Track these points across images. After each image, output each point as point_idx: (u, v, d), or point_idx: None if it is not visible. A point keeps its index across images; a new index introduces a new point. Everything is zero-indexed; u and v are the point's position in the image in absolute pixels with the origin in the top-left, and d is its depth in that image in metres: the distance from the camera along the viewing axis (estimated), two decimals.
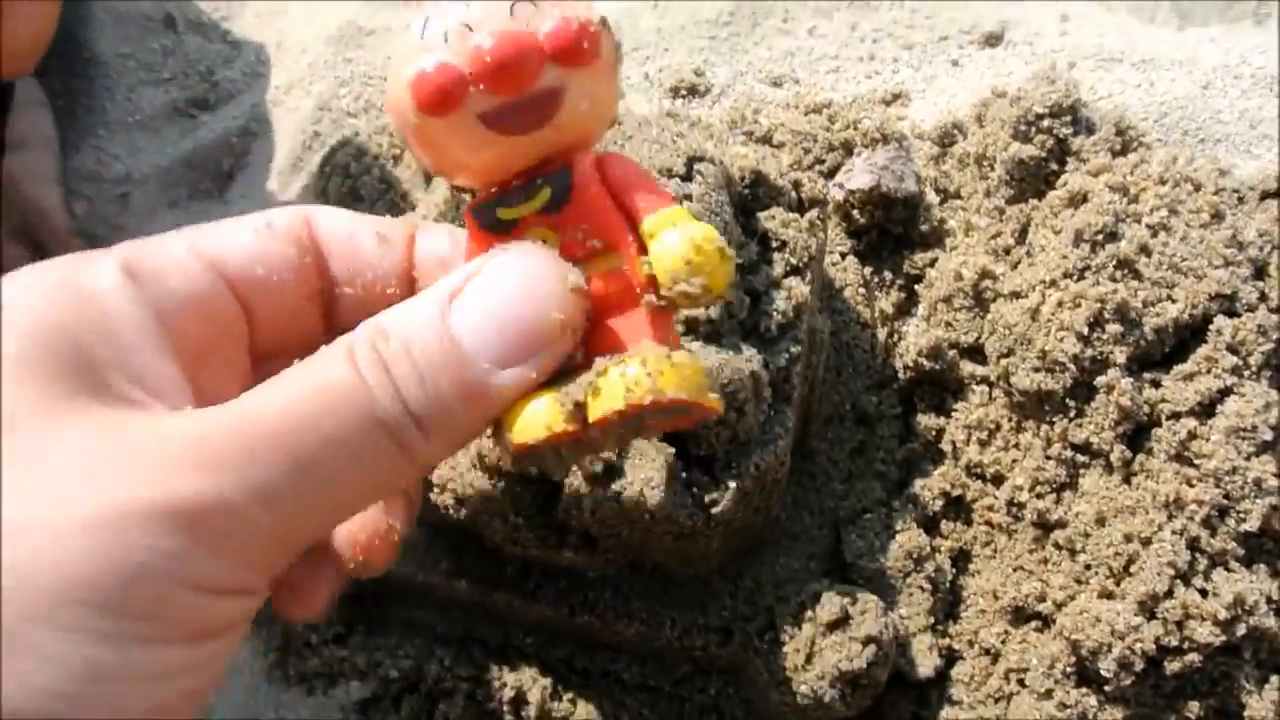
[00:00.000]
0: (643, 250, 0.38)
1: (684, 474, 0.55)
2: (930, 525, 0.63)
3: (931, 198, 0.74)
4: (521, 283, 0.36)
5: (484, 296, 0.36)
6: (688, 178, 0.56)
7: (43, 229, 0.87)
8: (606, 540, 0.59)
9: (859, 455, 0.67)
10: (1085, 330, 0.56)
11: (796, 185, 0.63)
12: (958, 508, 0.63)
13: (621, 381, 0.35)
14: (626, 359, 0.36)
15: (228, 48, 1.01)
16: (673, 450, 0.55)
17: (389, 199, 0.80)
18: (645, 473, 0.54)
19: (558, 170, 0.38)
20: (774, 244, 0.60)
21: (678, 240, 0.36)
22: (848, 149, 0.75)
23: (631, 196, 0.38)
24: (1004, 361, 0.60)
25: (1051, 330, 0.57)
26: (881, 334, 0.70)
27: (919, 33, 0.84)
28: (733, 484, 0.55)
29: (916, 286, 0.70)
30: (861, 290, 0.70)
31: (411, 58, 0.36)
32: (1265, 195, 0.67)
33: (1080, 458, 0.58)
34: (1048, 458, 0.59)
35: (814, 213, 0.61)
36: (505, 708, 0.65)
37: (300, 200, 0.86)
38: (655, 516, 0.54)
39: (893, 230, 0.71)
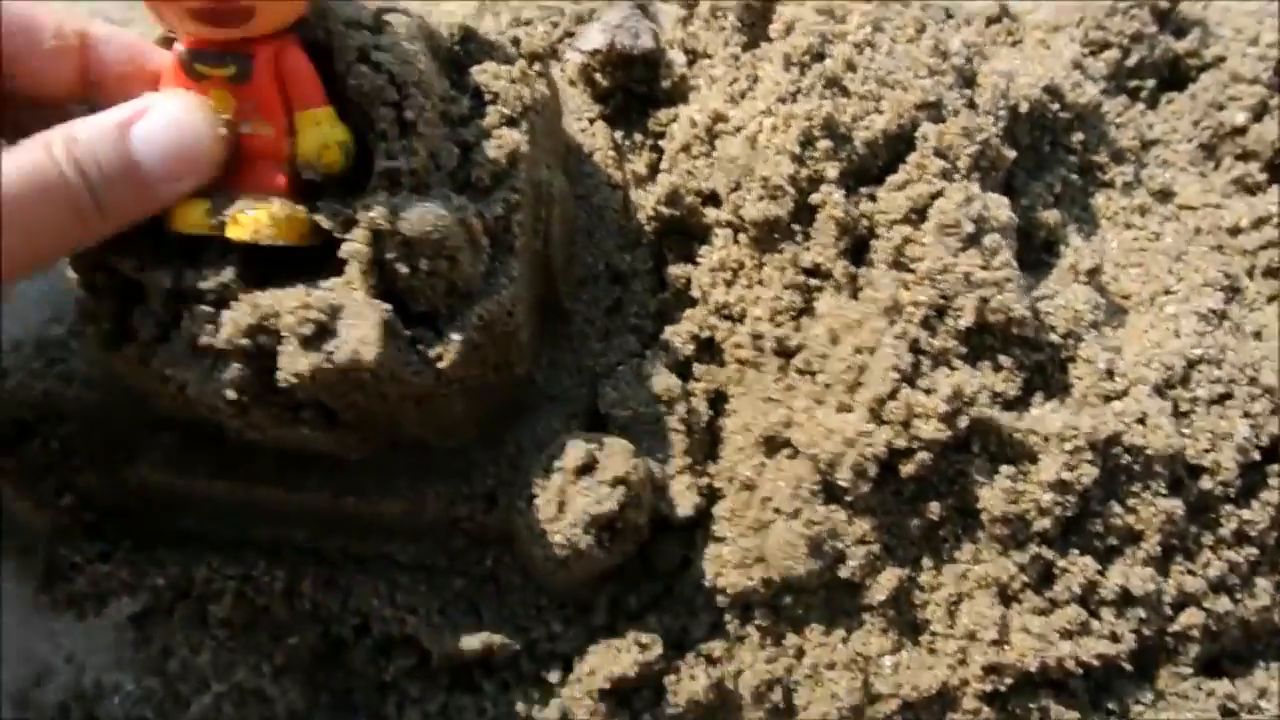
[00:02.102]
0: (292, 130, 0.53)
1: (407, 332, 0.54)
2: (684, 369, 0.63)
3: (679, 59, 0.73)
4: (186, 119, 0.51)
5: (156, 126, 0.50)
6: (376, 30, 0.54)
7: None
8: (346, 414, 0.57)
9: (615, 313, 0.66)
10: (797, 149, 0.56)
11: (515, 41, 0.61)
12: (710, 350, 0.63)
13: (253, 222, 0.52)
14: (259, 205, 0.52)
15: None
16: (388, 306, 0.53)
17: None
18: (359, 331, 0.52)
19: (242, 54, 0.51)
20: (487, 97, 0.58)
21: (311, 137, 0.53)
22: (582, 17, 0.74)
23: (293, 90, 0.52)
24: (733, 196, 0.60)
25: (769, 156, 0.57)
26: (636, 195, 0.69)
27: None
28: (456, 336, 0.54)
29: (662, 143, 0.69)
30: (612, 153, 0.69)
31: None
32: (989, 20, 0.68)
33: (812, 281, 0.58)
34: (784, 286, 0.59)
35: (523, 63, 0.60)
36: (278, 602, 0.63)
37: None
38: (378, 376, 0.53)
39: (637, 90, 0.70)
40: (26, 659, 0.67)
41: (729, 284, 0.62)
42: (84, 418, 0.65)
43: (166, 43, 0.57)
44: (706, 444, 0.62)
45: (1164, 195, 0.61)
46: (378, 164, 0.54)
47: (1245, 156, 0.62)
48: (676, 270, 0.65)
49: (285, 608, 0.64)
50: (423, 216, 0.52)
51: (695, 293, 0.64)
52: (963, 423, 0.53)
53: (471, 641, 0.62)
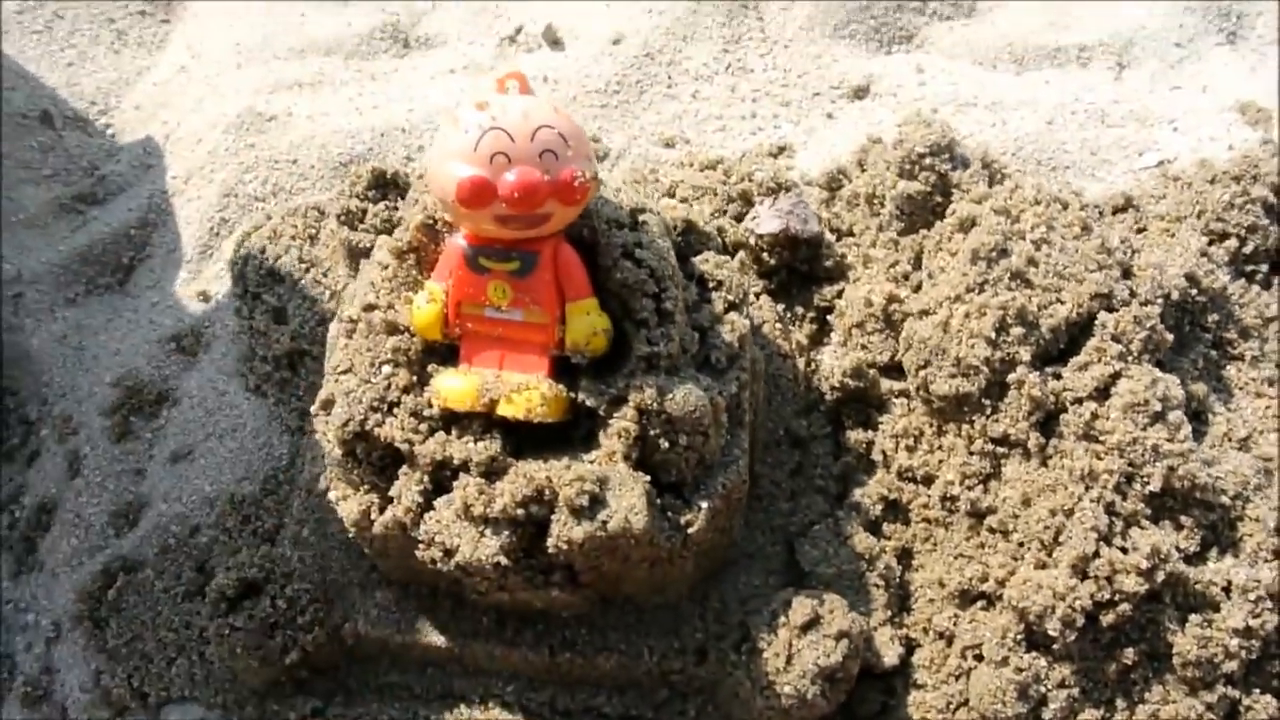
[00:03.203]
0: (563, 318, 0.59)
1: (658, 500, 0.59)
2: (873, 529, 0.69)
3: (829, 239, 0.81)
4: None
5: None
6: (634, 227, 0.61)
7: None
8: (587, 574, 0.62)
9: (798, 474, 0.72)
10: (993, 335, 0.64)
11: (720, 231, 0.69)
12: (895, 510, 0.69)
13: (525, 401, 0.58)
14: (530, 386, 0.58)
15: (109, 142, 1.01)
16: (648, 478, 0.58)
17: (311, 276, 0.82)
18: (627, 500, 0.57)
19: (528, 252, 0.58)
20: (710, 284, 0.65)
21: (581, 325, 0.59)
22: (745, 199, 0.82)
23: (566, 282, 0.59)
24: (922, 373, 0.67)
25: (963, 339, 0.64)
26: (800, 363, 0.76)
27: (794, 90, 0.93)
28: (704, 504, 0.60)
29: (827, 317, 0.77)
30: (778, 325, 0.77)
31: (463, 159, 0.55)
32: (1115, 210, 0.77)
33: (1000, 449, 0.65)
34: (971, 453, 0.66)
35: (740, 255, 0.67)
36: None
37: (215, 286, 0.86)
38: (639, 541, 0.58)
39: (800, 268, 0.78)
40: None
41: (910, 450, 0.69)
42: (304, 577, 0.68)
43: (430, 229, 0.63)
44: (900, 599, 0.67)
45: None
46: (637, 348, 0.60)
47: None
48: (856, 435, 0.71)
49: None
50: (686, 397, 0.58)
51: (876, 457, 0.70)
52: (1159, 576, 0.59)
53: None
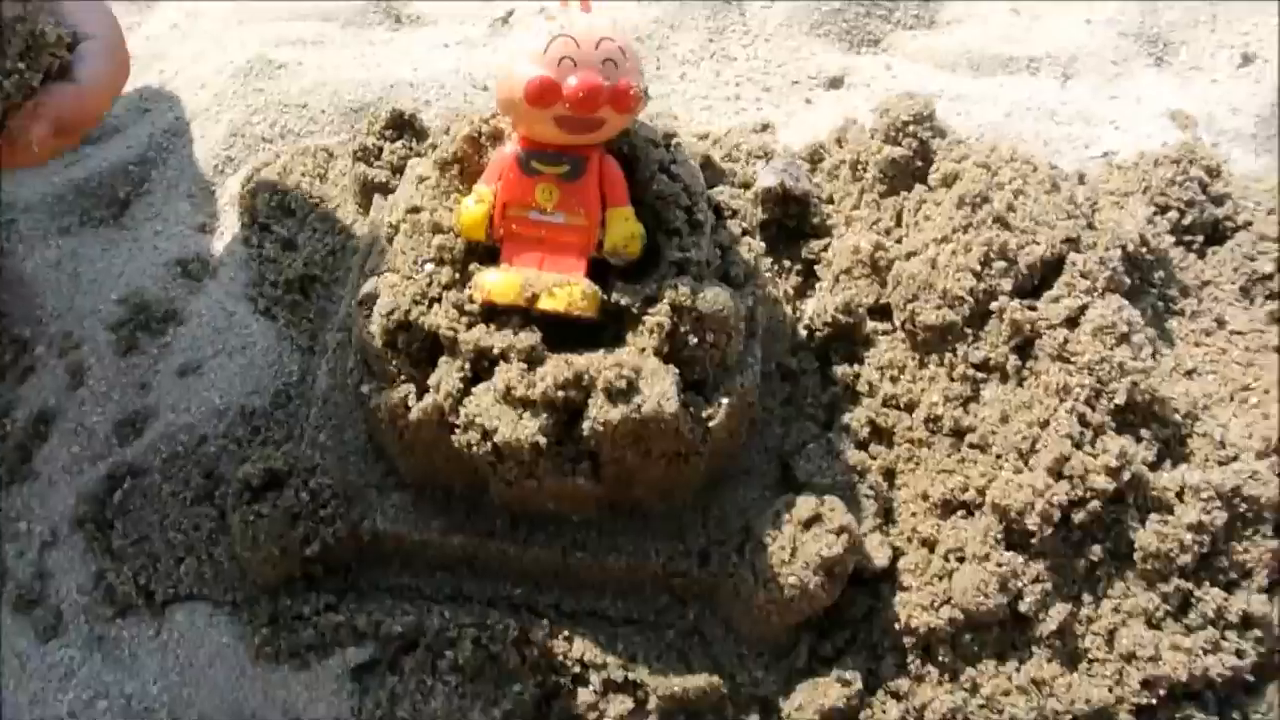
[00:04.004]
0: (602, 222, 0.64)
1: (682, 395, 0.64)
2: (861, 449, 0.74)
3: (816, 199, 0.88)
4: None
5: None
6: (668, 148, 0.67)
7: None
8: (609, 466, 0.66)
9: (789, 403, 0.78)
10: (978, 267, 0.71)
11: (732, 171, 0.75)
12: (881, 434, 0.75)
13: (566, 296, 0.63)
14: (571, 282, 0.63)
15: None
16: (677, 371, 0.63)
17: (321, 211, 0.85)
18: (659, 387, 0.62)
19: (577, 156, 0.63)
20: (726, 213, 0.71)
21: (621, 229, 0.64)
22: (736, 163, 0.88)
23: (609, 190, 0.64)
24: (910, 305, 0.74)
25: (950, 273, 0.72)
26: (789, 309, 0.82)
27: (774, 78, 1.00)
28: (725, 400, 0.65)
29: (815, 269, 0.83)
30: (769, 274, 0.83)
31: (534, 61, 0.60)
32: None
33: (980, 374, 0.72)
34: (952, 379, 0.72)
35: (750, 192, 0.73)
36: (509, 650, 0.69)
37: (222, 220, 0.89)
38: (668, 427, 0.62)
39: (788, 224, 0.85)
40: (236, 713, 0.69)
41: (895, 380, 0.75)
42: (326, 472, 0.71)
43: (474, 142, 0.68)
44: (886, 511, 0.73)
45: (1220, 322, 0.79)
46: (669, 254, 0.65)
47: (1273, 296, 0.80)
48: (843, 370, 0.78)
49: (516, 656, 0.69)
50: (716, 297, 0.63)
51: (863, 388, 0.77)
52: (1125, 477, 0.66)
53: (693, 682, 0.69)
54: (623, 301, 0.64)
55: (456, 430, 0.64)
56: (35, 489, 0.76)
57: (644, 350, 0.64)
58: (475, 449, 0.64)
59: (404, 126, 0.85)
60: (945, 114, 0.95)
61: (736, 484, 0.74)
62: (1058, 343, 0.70)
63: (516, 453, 0.63)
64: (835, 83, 1.00)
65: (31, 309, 0.84)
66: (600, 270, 0.66)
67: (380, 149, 0.84)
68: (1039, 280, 0.73)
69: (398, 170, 0.83)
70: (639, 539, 0.71)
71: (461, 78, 0.97)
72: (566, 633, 0.71)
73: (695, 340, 0.64)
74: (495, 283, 0.64)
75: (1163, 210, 0.82)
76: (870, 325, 0.78)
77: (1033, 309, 0.72)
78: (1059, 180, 0.76)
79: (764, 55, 1.02)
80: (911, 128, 0.82)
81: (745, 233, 0.70)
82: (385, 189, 0.83)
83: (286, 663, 0.70)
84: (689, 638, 0.72)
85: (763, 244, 0.82)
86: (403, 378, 0.66)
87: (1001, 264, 0.71)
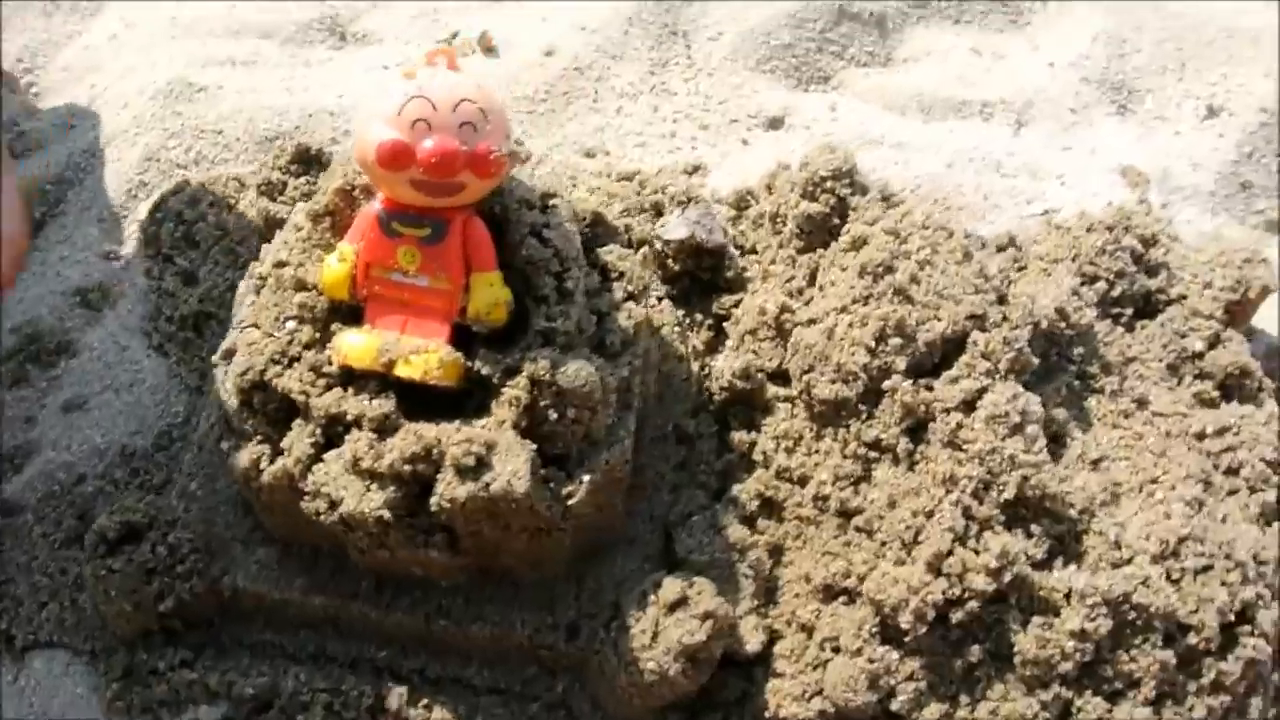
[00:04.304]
0: (468, 287, 0.62)
1: (541, 470, 0.62)
2: (749, 523, 0.71)
3: (732, 252, 0.84)
4: None
5: None
6: (544, 210, 0.64)
7: None
8: (467, 540, 0.63)
9: (682, 469, 0.75)
10: (873, 344, 0.68)
11: (627, 229, 0.72)
12: (771, 508, 0.72)
13: (423, 363, 0.60)
14: (429, 350, 0.60)
15: (32, 101, 1.01)
16: (534, 447, 0.61)
17: (225, 244, 0.83)
18: (512, 465, 0.59)
19: (439, 219, 0.61)
20: (612, 274, 0.68)
21: (484, 295, 0.62)
22: (657, 210, 0.85)
23: (473, 254, 0.62)
24: (806, 377, 0.71)
25: (845, 346, 0.68)
26: (695, 366, 0.79)
27: (713, 116, 0.97)
28: (586, 477, 0.62)
29: (724, 325, 0.80)
30: (677, 329, 0.80)
31: (387, 123, 0.57)
32: (1000, 248, 0.82)
33: (872, 454, 0.69)
34: (845, 456, 0.69)
35: (644, 250, 0.70)
36: (363, 716, 0.67)
37: (128, 247, 0.87)
38: (520, 506, 0.60)
39: (702, 277, 0.82)
40: None
41: (790, 451, 0.72)
42: (188, 526, 0.69)
43: (347, 195, 0.65)
44: (768, 591, 0.70)
45: (1141, 403, 0.75)
46: (536, 323, 0.63)
47: (1202, 376, 0.76)
48: (740, 436, 0.75)
49: None
50: (578, 372, 0.61)
51: (758, 457, 0.74)
52: (1006, 578, 0.63)
53: None
54: (484, 371, 0.62)
55: (306, 497, 0.62)
56: None
57: (502, 423, 0.61)
58: (323, 517, 0.62)
59: (310, 161, 0.83)
60: (883, 163, 0.92)
61: (615, 554, 0.71)
62: (950, 428, 0.66)
63: (363, 525, 0.61)
64: (775, 123, 0.97)
65: None
66: (468, 335, 0.63)
67: (285, 184, 0.82)
68: (940, 358, 0.70)
69: None
70: (506, 608, 0.69)
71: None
72: (426, 701, 0.69)
73: (556, 415, 0.61)
74: (353, 346, 0.62)
75: (1091, 280, 0.78)
76: (772, 390, 0.75)
77: (930, 388, 0.68)
78: (972, 249, 0.73)
79: (705, 90, 0.99)
80: (830, 183, 0.79)
81: (631, 296, 0.67)
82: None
83: (139, 718, 0.68)
84: (555, 711, 0.70)
85: (667, 302, 0.80)
86: (258, 438, 0.64)
87: (898, 340, 0.68)
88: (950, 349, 0.70)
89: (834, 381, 0.69)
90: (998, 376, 0.68)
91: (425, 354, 0.61)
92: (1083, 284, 0.78)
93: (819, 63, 1.03)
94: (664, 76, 1.00)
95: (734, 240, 0.85)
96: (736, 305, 0.80)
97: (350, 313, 0.64)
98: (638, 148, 0.95)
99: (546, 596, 0.69)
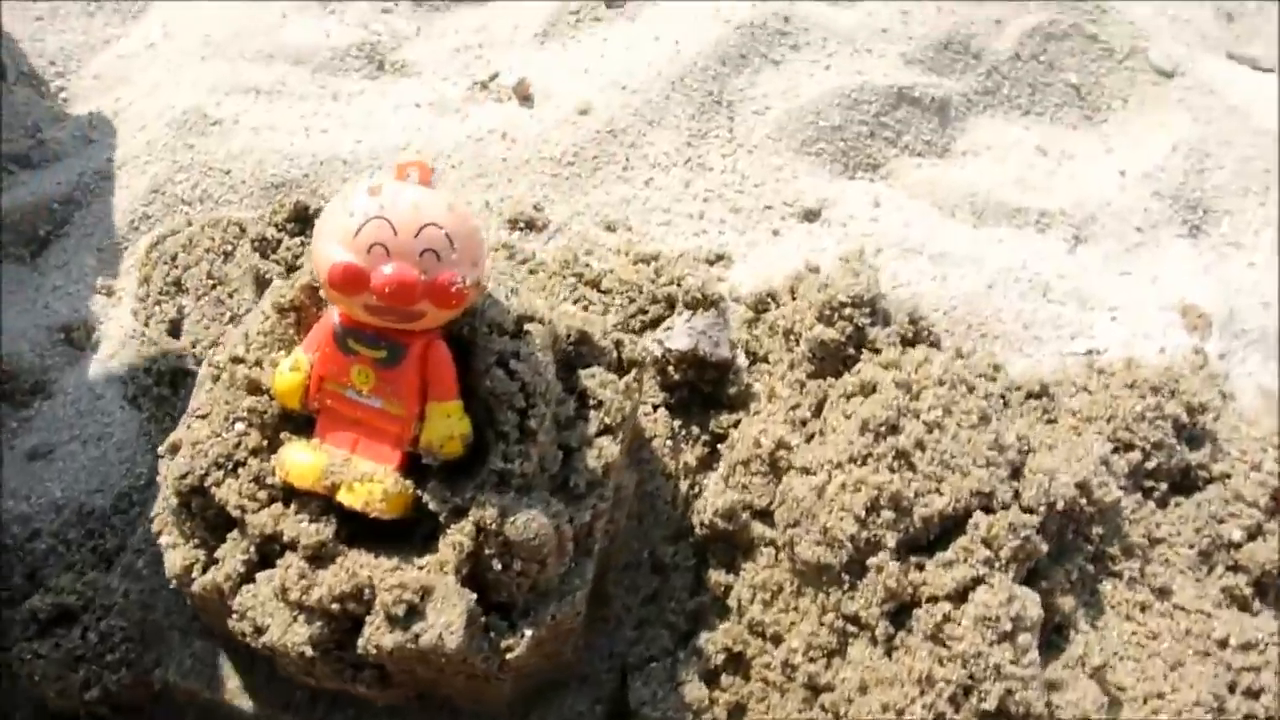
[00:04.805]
0: (422, 415, 0.57)
1: (483, 618, 0.57)
2: (711, 677, 0.67)
3: (742, 360, 0.79)
4: None
5: None
6: (516, 335, 0.60)
7: None
8: (400, 676, 0.60)
9: (652, 602, 0.70)
10: (863, 514, 0.62)
11: (618, 345, 0.67)
12: (738, 663, 0.67)
13: (366, 493, 0.56)
14: (375, 479, 0.56)
15: (60, 107, 0.99)
16: (474, 596, 0.56)
17: (216, 295, 0.80)
18: (446, 617, 0.55)
19: (398, 343, 0.56)
20: (591, 402, 0.63)
21: (439, 427, 0.57)
22: (670, 304, 0.80)
23: (432, 381, 0.57)
24: (790, 531, 0.65)
25: (834, 509, 0.63)
26: (684, 485, 0.74)
27: (746, 199, 0.91)
28: (529, 632, 0.58)
29: (720, 445, 0.75)
30: (669, 442, 0.75)
31: (342, 244, 0.53)
32: (1030, 395, 0.75)
33: (850, 628, 0.63)
34: (821, 624, 0.64)
35: (630, 376, 0.65)
36: None
37: (123, 281, 0.84)
38: (452, 659, 0.56)
39: (703, 389, 0.76)
40: None
41: (767, 604, 0.67)
42: (123, 613, 0.66)
43: (313, 292, 0.61)
44: None
45: (1163, 593, 0.68)
46: (493, 462, 0.58)
47: (1236, 569, 0.69)
48: (717, 576, 0.70)
49: None
50: (527, 524, 0.56)
51: (732, 603, 0.69)
52: None
53: None
54: (431, 507, 0.57)
55: (233, 616, 0.58)
56: None
57: (444, 566, 0.57)
58: (248, 639, 0.58)
59: (307, 221, 0.79)
60: (919, 276, 0.85)
61: (567, 693, 0.67)
62: (935, 621, 0.60)
63: (286, 655, 0.57)
64: (810, 215, 0.90)
65: None
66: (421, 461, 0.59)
67: (279, 241, 0.78)
68: (938, 534, 0.64)
69: (292, 268, 0.78)
70: None
71: (407, 156, 0.90)
72: None
73: (500, 566, 0.57)
74: (297, 464, 0.58)
75: (1125, 448, 0.72)
76: (758, 530, 0.70)
77: (920, 567, 0.63)
78: (991, 412, 0.66)
79: (743, 169, 0.93)
80: (849, 310, 0.73)
81: (607, 429, 0.62)
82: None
83: None
84: None
85: (663, 411, 0.75)
86: (193, 542, 0.60)
87: (891, 514, 0.62)
88: (951, 525, 0.64)
89: (819, 544, 0.64)
90: (996, 566, 0.62)
91: (370, 483, 0.57)
92: (1114, 451, 0.71)
93: (869, 148, 0.96)
94: (701, 149, 0.94)
95: (746, 345, 0.80)
96: (735, 425, 0.75)
97: (302, 421, 0.60)
98: (662, 225, 0.90)
99: None
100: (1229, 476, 0.72)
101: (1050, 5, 1.07)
